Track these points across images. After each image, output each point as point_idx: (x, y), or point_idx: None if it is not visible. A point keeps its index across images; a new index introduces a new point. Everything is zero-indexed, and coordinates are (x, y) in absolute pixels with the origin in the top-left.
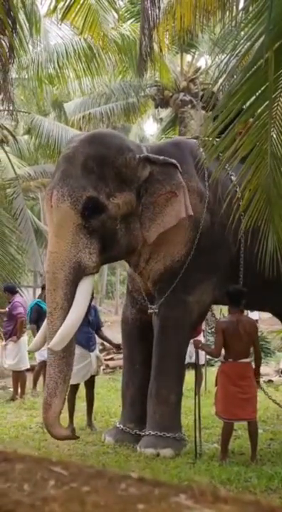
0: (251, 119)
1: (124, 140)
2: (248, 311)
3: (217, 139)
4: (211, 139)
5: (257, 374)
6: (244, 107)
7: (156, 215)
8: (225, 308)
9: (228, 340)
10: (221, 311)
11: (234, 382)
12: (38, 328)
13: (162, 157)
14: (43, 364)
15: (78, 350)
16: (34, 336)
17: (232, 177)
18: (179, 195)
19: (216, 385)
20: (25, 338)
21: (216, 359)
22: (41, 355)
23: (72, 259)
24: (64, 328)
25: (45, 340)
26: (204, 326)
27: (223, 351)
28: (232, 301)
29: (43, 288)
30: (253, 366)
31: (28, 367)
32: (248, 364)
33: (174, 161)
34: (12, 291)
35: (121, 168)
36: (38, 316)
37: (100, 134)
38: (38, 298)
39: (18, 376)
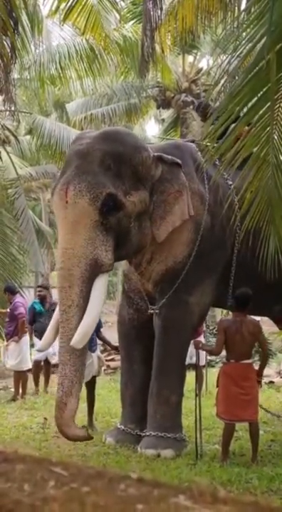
0: (247, 128)
1: (138, 138)
2: None
3: (216, 142)
4: (208, 142)
5: (260, 374)
6: (245, 108)
7: (166, 214)
8: (226, 312)
9: (230, 340)
10: (222, 312)
11: (236, 383)
12: (34, 329)
13: (170, 157)
14: (38, 363)
15: None
16: (30, 337)
17: (228, 181)
18: (184, 195)
19: (217, 386)
20: (26, 338)
21: (217, 360)
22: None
23: (88, 256)
24: (84, 325)
25: (55, 338)
26: (204, 327)
27: (225, 352)
28: (238, 305)
29: (38, 287)
30: (256, 367)
31: (30, 367)
32: (250, 365)
33: (179, 160)
34: (13, 291)
35: (138, 166)
36: (33, 317)
37: (114, 131)
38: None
39: (20, 376)
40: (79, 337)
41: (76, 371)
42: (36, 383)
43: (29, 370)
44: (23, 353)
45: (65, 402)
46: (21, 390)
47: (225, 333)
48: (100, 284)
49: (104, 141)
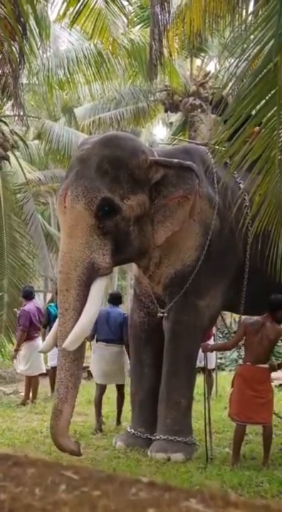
0: (257, 128)
1: (138, 142)
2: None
3: (226, 144)
4: (220, 145)
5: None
6: (254, 111)
7: (166, 218)
8: (235, 315)
9: (249, 340)
10: (231, 315)
11: (250, 386)
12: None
13: (176, 160)
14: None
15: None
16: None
17: (240, 185)
18: (191, 200)
19: (232, 386)
20: (37, 343)
21: (227, 363)
22: (52, 359)
23: (85, 260)
24: (78, 328)
25: (55, 341)
26: (214, 330)
27: (241, 354)
28: (268, 308)
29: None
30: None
31: (42, 371)
32: (266, 369)
33: (189, 163)
34: (25, 296)
35: (134, 169)
36: (48, 320)
37: (114, 136)
38: (49, 302)
39: (31, 381)
40: (71, 339)
41: (71, 376)
42: (53, 388)
43: (41, 375)
44: (33, 358)
45: (61, 409)
46: (31, 395)
47: (245, 330)
48: (96, 288)
49: (103, 146)
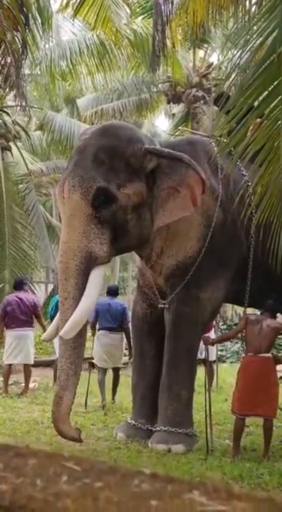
0: (259, 120)
1: (135, 131)
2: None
3: (227, 136)
4: (222, 136)
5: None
6: (256, 102)
7: (157, 209)
8: (237, 307)
9: (249, 331)
10: (232, 308)
11: (254, 377)
12: None
13: (167, 150)
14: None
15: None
16: None
17: (244, 177)
18: (182, 192)
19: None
20: (16, 333)
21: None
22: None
23: (83, 249)
24: (75, 316)
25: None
26: (215, 322)
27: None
28: (269, 310)
29: None
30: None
31: (10, 363)
32: (269, 359)
33: (179, 154)
34: (14, 286)
35: (130, 158)
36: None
37: (111, 126)
38: (53, 293)
39: (26, 370)
40: (68, 327)
41: (71, 364)
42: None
43: (33, 366)
44: (5, 347)
45: (62, 396)
46: (31, 384)
47: (246, 321)
48: (95, 276)
49: (100, 136)
